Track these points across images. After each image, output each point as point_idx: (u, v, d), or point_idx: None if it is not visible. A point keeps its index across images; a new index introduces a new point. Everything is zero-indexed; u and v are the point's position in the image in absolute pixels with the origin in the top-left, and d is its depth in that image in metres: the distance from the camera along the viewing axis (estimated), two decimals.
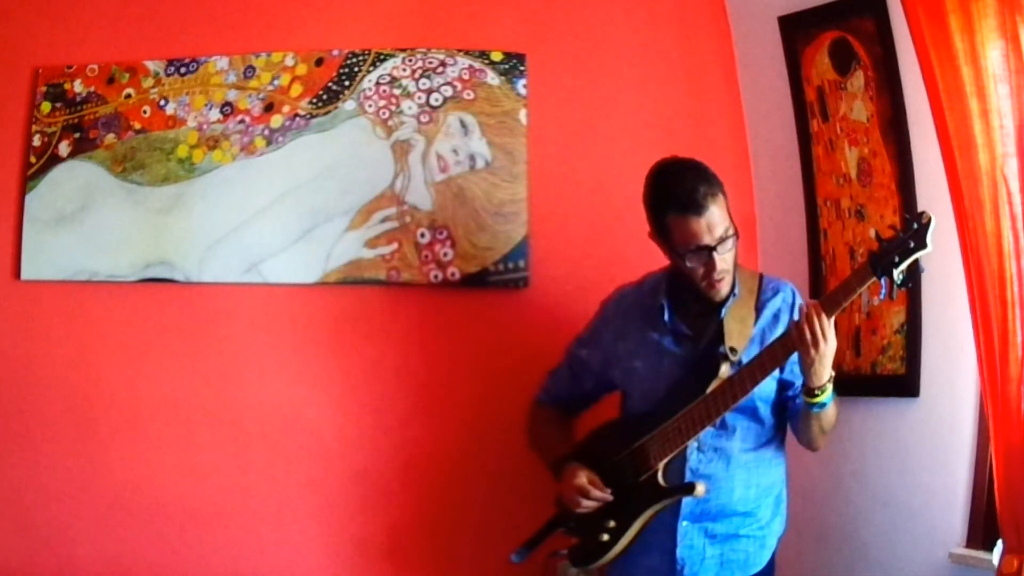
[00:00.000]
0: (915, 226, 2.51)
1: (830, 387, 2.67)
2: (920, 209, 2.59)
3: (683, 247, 2.73)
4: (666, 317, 2.85)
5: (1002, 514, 2.62)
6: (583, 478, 2.84)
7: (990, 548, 2.76)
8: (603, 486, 2.82)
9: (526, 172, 3.49)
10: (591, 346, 3.03)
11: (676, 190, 2.71)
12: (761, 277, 2.89)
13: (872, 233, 3.10)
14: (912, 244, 2.51)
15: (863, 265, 2.58)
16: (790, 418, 2.83)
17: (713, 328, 2.79)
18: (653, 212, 2.79)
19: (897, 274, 2.52)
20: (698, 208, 2.68)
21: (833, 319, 2.61)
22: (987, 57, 2.58)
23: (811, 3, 3.27)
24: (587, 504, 2.83)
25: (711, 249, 2.70)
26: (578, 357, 3.06)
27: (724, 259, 2.73)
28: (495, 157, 3.49)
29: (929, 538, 2.98)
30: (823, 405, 2.68)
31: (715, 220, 2.70)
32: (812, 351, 2.58)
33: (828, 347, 2.59)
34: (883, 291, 2.55)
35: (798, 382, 2.76)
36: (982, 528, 2.90)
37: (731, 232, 2.73)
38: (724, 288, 2.78)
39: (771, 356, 2.67)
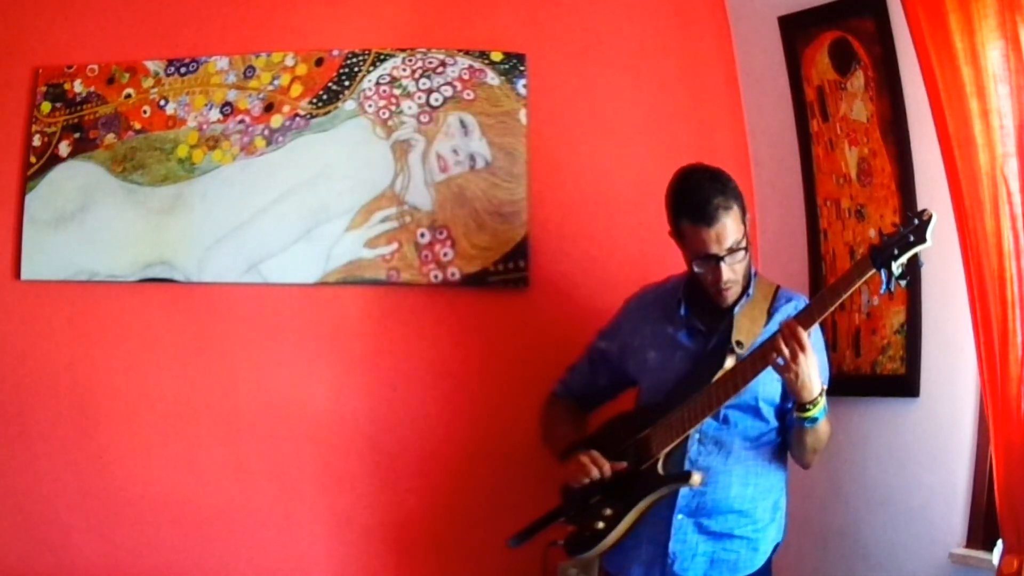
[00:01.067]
0: (916, 221, 2.55)
1: (822, 400, 2.69)
2: (929, 235, 2.60)
3: (693, 253, 2.80)
4: (682, 311, 2.91)
5: (1002, 514, 2.62)
6: (589, 453, 2.87)
7: (990, 548, 2.76)
8: (604, 462, 2.84)
9: (526, 172, 3.49)
10: (610, 338, 3.08)
11: (692, 199, 2.79)
12: (778, 287, 2.94)
13: (872, 233, 3.11)
14: (912, 238, 2.54)
15: (863, 257, 2.61)
16: (787, 431, 2.85)
17: (725, 324, 2.84)
18: (671, 215, 2.86)
19: (896, 267, 2.55)
20: (709, 219, 2.75)
21: (819, 321, 2.65)
22: (987, 57, 2.58)
23: (811, 3, 3.27)
24: (593, 474, 2.84)
25: (719, 259, 2.76)
26: (598, 349, 3.11)
27: (732, 269, 2.79)
28: (495, 157, 3.49)
29: (929, 538, 2.98)
30: (814, 420, 2.71)
31: (726, 232, 2.76)
32: (791, 366, 2.62)
33: (808, 360, 2.62)
34: (883, 285, 2.57)
35: None
36: (982, 528, 2.90)
37: (743, 244, 2.78)
38: (730, 297, 2.83)
39: (773, 346, 2.68)
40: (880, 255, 2.56)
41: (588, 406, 3.15)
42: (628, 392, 3.07)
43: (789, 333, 2.61)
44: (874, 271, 2.57)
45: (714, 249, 2.76)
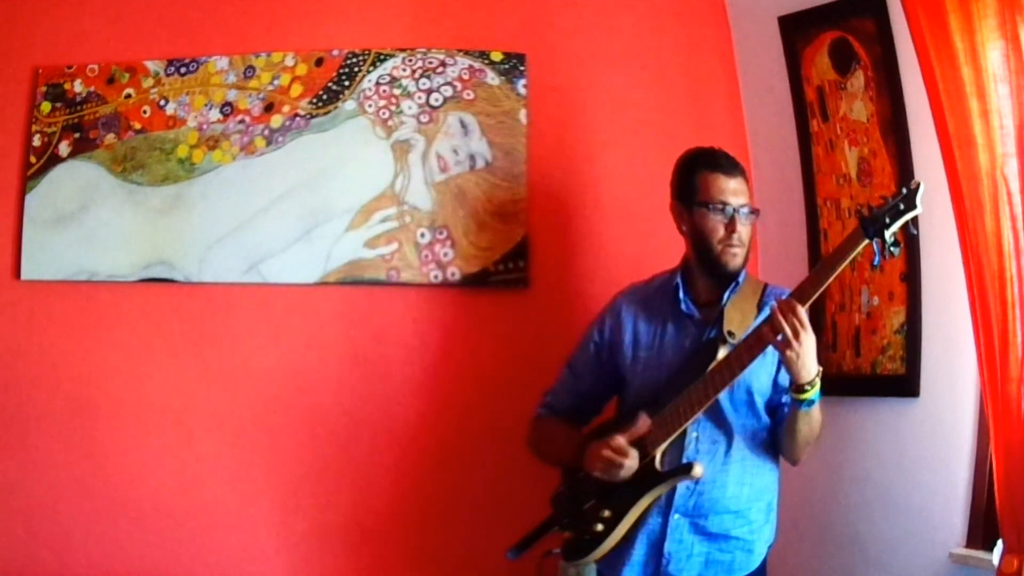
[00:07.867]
0: (905, 191, 2.55)
1: (819, 382, 2.67)
2: (919, 202, 2.58)
3: (709, 201, 2.83)
4: (681, 295, 2.90)
5: (1002, 514, 2.62)
6: (608, 443, 2.80)
7: (990, 548, 2.77)
8: (630, 448, 2.79)
9: (526, 172, 3.49)
10: (596, 339, 3.03)
11: (711, 153, 2.90)
12: (765, 285, 2.94)
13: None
14: (903, 207, 2.54)
15: (855, 229, 2.59)
16: (778, 426, 2.83)
17: (715, 317, 2.84)
18: (683, 176, 2.90)
19: (888, 235, 2.54)
20: (730, 169, 2.85)
21: (809, 305, 2.62)
22: (987, 57, 2.58)
23: (811, 3, 3.27)
24: (629, 465, 2.78)
25: (735, 210, 2.81)
26: (582, 357, 3.06)
27: (744, 228, 2.84)
28: (495, 157, 3.49)
29: (929, 538, 2.98)
30: (811, 402, 2.68)
31: (741, 188, 2.85)
32: (793, 344, 2.60)
33: (808, 338, 2.61)
34: (876, 256, 2.55)
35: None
36: (982, 528, 2.90)
37: (752, 209, 2.86)
38: (739, 257, 2.85)
39: (772, 325, 2.65)
40: (872, 225, 2.55)
41: (578, 420, 3.07)
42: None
43: (788, 309, 2.60)
44: (867, 242, 2.56)
45: (731, 199, 2.82)
